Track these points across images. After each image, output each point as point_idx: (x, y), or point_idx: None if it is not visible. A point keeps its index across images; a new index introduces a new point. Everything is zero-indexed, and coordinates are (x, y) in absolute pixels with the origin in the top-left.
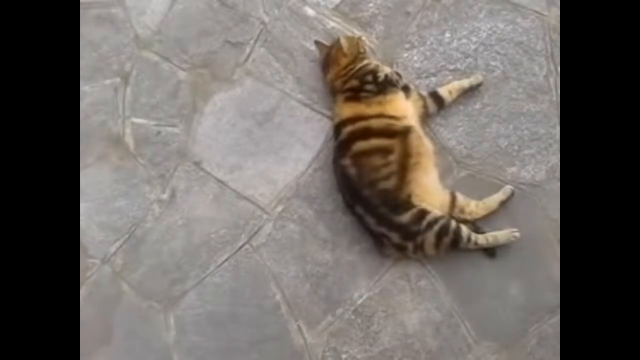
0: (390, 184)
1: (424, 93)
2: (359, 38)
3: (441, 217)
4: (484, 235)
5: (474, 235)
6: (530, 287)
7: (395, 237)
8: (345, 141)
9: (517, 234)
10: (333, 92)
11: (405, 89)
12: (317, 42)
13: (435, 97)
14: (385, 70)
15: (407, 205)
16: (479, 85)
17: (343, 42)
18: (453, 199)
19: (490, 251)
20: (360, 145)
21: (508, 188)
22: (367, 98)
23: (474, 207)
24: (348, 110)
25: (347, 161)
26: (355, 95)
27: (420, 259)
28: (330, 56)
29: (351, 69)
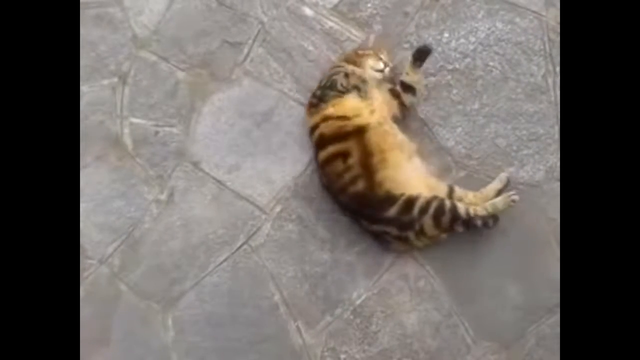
0: (359, 186)
1: (398, 88)
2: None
3: (433, 199)
4: (482, 205)
5: (472, 209)
6: (528, 287)
7: (393, 230)
8: (314, 152)
9: (515, 197)
10: None
11: (359, 90)
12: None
13: (405, 86)
14: (338, 77)
15: (390, 199)
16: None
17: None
18: (451, 191)
19: (494, 217)
20: (322, 155)
21: (504, 175)
22: (315, 106)
23: (472, 197)
24: (310, 118)
25: (320, 172)
26: (312, 98)
27: (423, 250)
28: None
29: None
